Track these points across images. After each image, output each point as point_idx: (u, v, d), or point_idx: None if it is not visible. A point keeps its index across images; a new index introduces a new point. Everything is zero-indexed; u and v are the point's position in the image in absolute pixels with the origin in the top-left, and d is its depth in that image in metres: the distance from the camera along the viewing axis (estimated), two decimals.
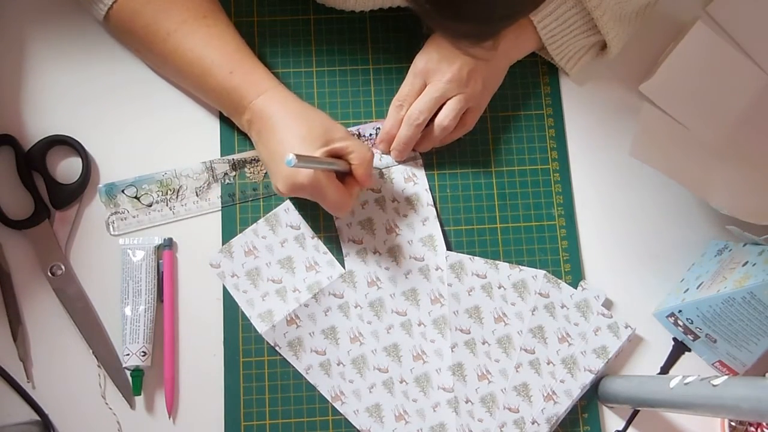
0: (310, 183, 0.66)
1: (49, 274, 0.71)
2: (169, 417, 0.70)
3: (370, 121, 0.77)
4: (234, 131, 0.75)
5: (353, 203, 0.70)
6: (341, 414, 0.70)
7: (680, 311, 0.72)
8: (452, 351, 0.71)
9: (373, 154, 0.69)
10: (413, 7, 0.50)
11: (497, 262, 0.74)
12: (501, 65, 0.76)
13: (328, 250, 0.73)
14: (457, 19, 0.49)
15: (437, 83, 0.72)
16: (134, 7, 0.69)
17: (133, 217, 0.73)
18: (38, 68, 0.76)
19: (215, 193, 0.74)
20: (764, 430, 0.72)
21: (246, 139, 0.75)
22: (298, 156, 0.59)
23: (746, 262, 0.68)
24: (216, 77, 0.69)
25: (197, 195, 0.74)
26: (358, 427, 0.70)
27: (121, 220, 0.73)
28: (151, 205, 0.73)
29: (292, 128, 0.67)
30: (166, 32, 0.69)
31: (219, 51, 0.69)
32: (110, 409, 0.69)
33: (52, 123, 0.74)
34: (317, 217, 0.74)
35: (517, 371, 0.72)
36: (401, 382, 0.71)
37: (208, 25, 0.70)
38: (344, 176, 0.69)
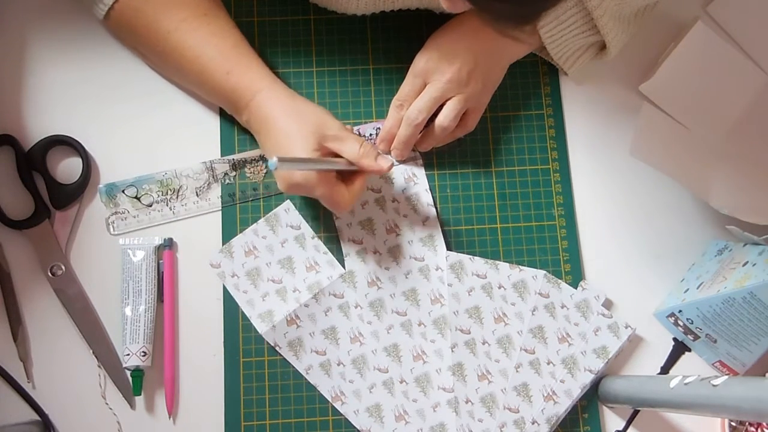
0: (305, 182, 0.66)
1: (49, 274, 0.71)
2: (169, 417, 0.70)
3: (370, 121, 0.77)
4: (234, 131, 0.75)
5: (354, 200, 0.69)
6: (341, 414, 0.70)
7: (680, 311, 0.72)
8: (452, 351, 0.71)
9: (368, 148, 0.67)
10: None
11: (497, 262, 0.74)
12: (500, 64, 0.76)
13: (328, 250, 0.73)
14: None
15: (437, 83, 0.72)
16: (135, 6, 0.69)
17: (133, 217, 0.73)
18: (38, 68, 0.76)
19: (215, 193, 0.74)
20: (764, 430, 0.72)
21: (246, 139, 0.75)
22: (280, 159, 0.58)
23: (746, 262, 0.68)
24: (214, 77, 0.69)
25: (197, 195, 0.74)
26: (358, 427, 0.70)
27: (121, 220, 0.73)
28: (151, 205, 0.73)
29: (284, 128, 0.67)
30: (167, 31, 0.69)
31: (217, 49, 0.69)
32: (110, 409, 0.69)
33: (52, 123, 0.74)
34: (317, 217, 0.74)
35: (517, 371, 0.72)
36: (401, 382, 0.71)
37: (209, 23, 0.70)
38: (349, 172, 0.69)
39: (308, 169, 0.65)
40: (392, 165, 0.69)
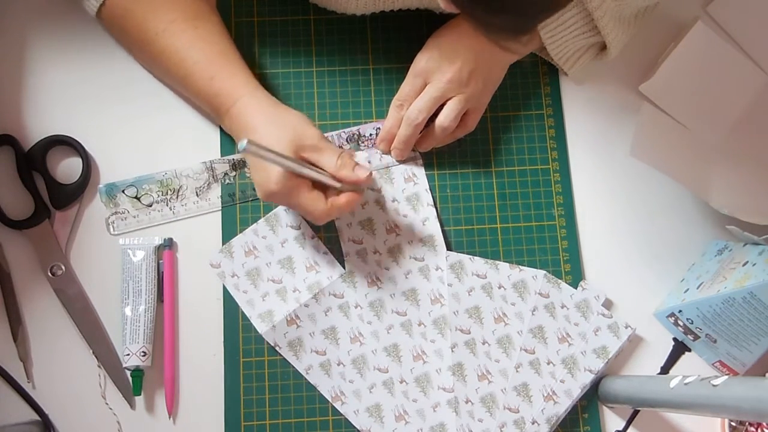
0: (279, 190, 0.64)
1: (49, 274, 0.71)
2: (169, 417, 0.70)
3: (370, 121, 0.77)
4: None
5: (335, 214, 0.67)
6: (341, 414, 0.70)
7: (680, 311, 0.72)
8: (452, 351, 0.72)
9: (346, 159, 0.66)
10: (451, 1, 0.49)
11: (497, 262, 0.74)
12: (501, 64, 0.76)
13: (328, 250, 0.73)
14: (494, 11, 0.48)
15: (437, 83, 0.72)
16: (125, 5, 0.69)
17: (133, 217, 0.73)
18: (38, 68, 0.76)
19: (215, 193, 0.74)
20: (764, 430, 0.72)
21: None
22: (250, 142, 0.57)
23: (746, 262, 0.68)
24: (198, 82, 0.69)
25: (197, 195, 0.74)
26: (358, 427, 0.70)
27: (121, 220, 0.73)
28: (151, 205, 0.73)
29: (263, 136, 0.66)
30: (155, 32, 0.69)
31: (203, 53, 0.69)
32: (110, 409, 0.69)
33: (52, 123, 0.74)
34: None
35: (517, 371, 0.72)
36: (401, 382, 0.71)
37: (196, 27, 0.69)
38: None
39: (278, 163, 0.63)
40: (371, 174, 0.68)
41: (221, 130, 0.75)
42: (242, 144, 0.57)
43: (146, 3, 0.69)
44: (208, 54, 0.69)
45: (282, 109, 0.69)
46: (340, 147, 0.74)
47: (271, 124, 0.67)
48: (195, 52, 0.69)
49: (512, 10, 0.48)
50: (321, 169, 0.66)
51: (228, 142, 0.75)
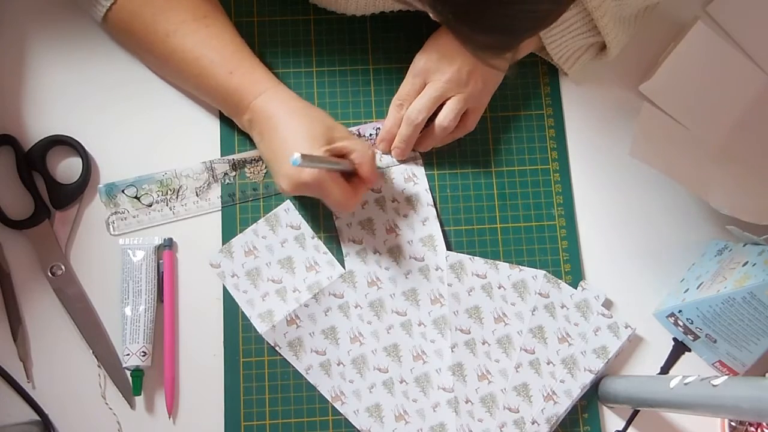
0: (314, 181, 0.66)
1: (49, 274, 0.71)
2: (169, 417, 0.70)
3: (370, 121, 0.77)
4: (234, 131, 0.75)
5: (358, 201, 0.70)
6: (341, 414, 0.70)
7: (680, 311, 0.72)
8: (452, 351, 0.71)
9: (374, 152, 0.69)
10: (435, 16, 0.50)
11: (497, 262, 0.74)
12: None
13: (328, 250, 0.73)
14: (479, 30, 0.48)
15: (436, 83, 0.72)
16: (133, 9, 0.69)
17: (133, 217, 0.73)
18: (38, 68, 0.76)
19: (215, 193, 0.74)
20: (764, 430, 0.72)
21: (246, 139, 0.75)
22: (303, 155, 0.59)
23: (746, 262, 0.68)
24: (216, 78, 0.69)
25: (197, 195, 0.74)
26: (358, 427, 0.70)
27: (121, 220, 0.73)
28: (151, 205, 0.73)
29: (293, 127, 0.67)
30: (165, 33, 0.69)
31: (218, 51, 0.69)
32: (110, 409, 0.69)
33: (52, 123, 0.74)
34: (317, 217, 0.74)
35: (517, 371, 0.72)
36: (401, 382, 0.71)
37: (207, 26, 0.70)
38: (350, 175, 0.69)
39: (325, 167, 0.65)
40: (383, 176, 0.73)
41: (221, 130, 0.75)
42: (295, 158, 0.59)
43: (154, 4, 0.69)
44: (224, 51, 0.70)
45: (305, 103, 0.70)
46: None
47: (298, 117, 0.68)
48: (210, 50, 0.69)
49: (497, 29, 0.48)
50: (347, 158, 0.68)
51: (228, 141, 0.75)
